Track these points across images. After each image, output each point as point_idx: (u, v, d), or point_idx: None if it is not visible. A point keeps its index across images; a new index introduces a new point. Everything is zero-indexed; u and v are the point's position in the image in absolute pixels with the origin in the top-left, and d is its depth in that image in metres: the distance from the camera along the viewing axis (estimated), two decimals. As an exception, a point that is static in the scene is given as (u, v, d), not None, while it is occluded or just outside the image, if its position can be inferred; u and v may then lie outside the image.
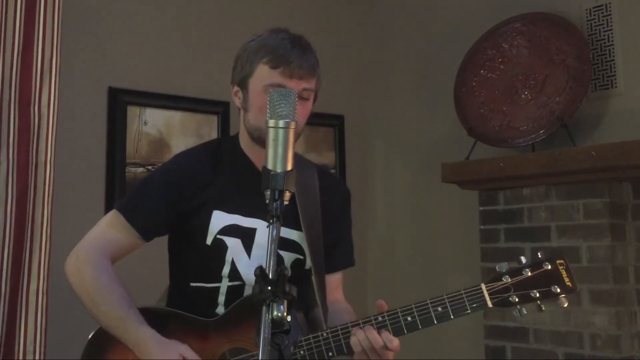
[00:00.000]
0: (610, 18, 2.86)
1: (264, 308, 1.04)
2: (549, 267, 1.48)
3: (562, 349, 2.74)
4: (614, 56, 2.85)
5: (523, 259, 1.51)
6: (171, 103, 3.13)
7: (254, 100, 1.58)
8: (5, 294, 2.45)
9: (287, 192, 1.15)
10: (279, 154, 1.17)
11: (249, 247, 1.59)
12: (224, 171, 1.64)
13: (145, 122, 3.06)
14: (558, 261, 1.49)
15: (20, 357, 2.47)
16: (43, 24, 2.61)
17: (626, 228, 2.74)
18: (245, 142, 1.66)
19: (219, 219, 1.59)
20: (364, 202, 3.74)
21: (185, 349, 1.49)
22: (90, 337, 1.61)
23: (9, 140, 2.52)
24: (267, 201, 1.15)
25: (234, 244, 1.59)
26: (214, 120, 3.24)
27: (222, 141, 1.77)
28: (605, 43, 2.87)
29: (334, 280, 1.76)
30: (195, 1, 3.29)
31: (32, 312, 2.50)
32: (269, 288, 1.05)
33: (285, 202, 1.16)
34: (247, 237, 1.59)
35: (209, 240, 1.59)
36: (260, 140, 1.58)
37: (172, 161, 1.71)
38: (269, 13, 3.40)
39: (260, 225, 1.59)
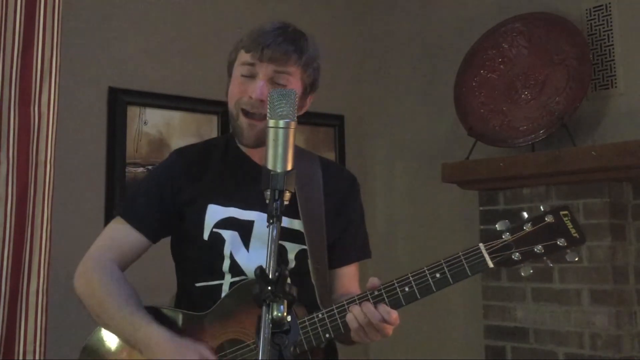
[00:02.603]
0: (610, 18, 2.86)
1: (264, 308, 1.04)
2: (552, 219, 1.38)
3: (562, 349, 2.74)
4: (614, 56, 2.85)
5: (525, 214, 1.41)
6: (171, 103, 3.13)
7: (230, 84, 1.60)
8: (5, 294, 2.45)
9: (287, 192, 1.15)
10: (279, 154, 1.17)
11: (247, 239, 1.56)
12: (218, 165, 1.63)
13: (145, 122, 3.06)
14: (562, 212, 1.38)
15: (20, 357, 2.47)
16: (43, 24, 2.61)
17: (626, 228, 2.74)
18: None
19: (215, 213, 1.57)
20: (364, 202, 3.73)
21: (203, 349, 1.45)
22: (83, 347, 1.59)
23: (9, 140, 2.52)
24: (267, 201, 1.15)
25: (231, 237, 1.56)
26: (214, 120, 3.24)
27: (216, 138, 1.78)
28: (605, 43, 2.87)
29: (348, 273, 1.68)
30: (196, 1, 3.29)
31: (32, 312, 2.50)
32: (269, 288, 1.04)
33: (286, 202, 1.15)
34: (244, 229, 1.56)
35: (205, 235, 1.56)
36: (234, 129, 1.58)
37: (166, 159, 1.71)
38: (269, 13, 3.40)
39: (258, 218, 1.56)
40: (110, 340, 1.57)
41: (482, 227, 3.03)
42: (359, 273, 1.72)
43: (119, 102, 3.00)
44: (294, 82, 1.56)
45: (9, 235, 2.47)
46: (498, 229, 1.41)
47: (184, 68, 3.17)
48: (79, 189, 2.85)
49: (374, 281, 1.44)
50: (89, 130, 2.93)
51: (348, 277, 1.68)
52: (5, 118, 2.52)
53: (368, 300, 1.41)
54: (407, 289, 1.40)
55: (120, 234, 1.60)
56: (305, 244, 1.57)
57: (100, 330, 1.59)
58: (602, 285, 2.65)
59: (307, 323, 1.43)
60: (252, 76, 1.54)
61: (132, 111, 3.04)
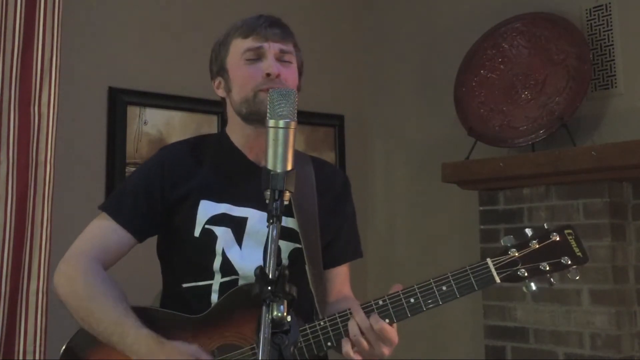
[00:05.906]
0: (610, 18, 2.87)
1: (264, 308, 1.03)
2: (557, 237, 1.42)
3: (562, 349, 2.74)
4: (614, 56, 2.85)
5: (528, 232, 1.44)
6: (171, 103, 3.13)
7: (234, 75, 1.59)
8: (5, 294, 2.45)
9: (287, 192, 1.15)
10: (279, 154, 1.17)
11: (240, 236, 1.53)
12: (211, 161, 1.60)
13: (145, 122, 3.06)
14: (566, 231, 1.42)
15: (20, 357, 2.47)
16: (43, 24, 2.61)
17: (626, 228, 2.74)
18: (233, 131, 1.63)
19: (207, 209, 1.53)
20: (364, 202, 3.74)
21: (197, 350, 1.41)
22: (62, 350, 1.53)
23: (9, 140, 2.52)
24: (267, 201, 1.15)
25: (223, 234, 1.52)
26: (214, 120, 3.23)
27: (207, 135, 1.74)
28: (605, 43, 2.87)
29: (340, 274, 1.67)
30: (196, 2, 3.29)
31: (32, 312, 2.50)
32: (269, 288, 1.04)
33: (286, 202, 1.15)
34: (237, 226, 1.53)
35: (197, 232, 1.52)
36: (251, 115, 1.54)
37: (154, 155, 1.67)
38: (269, 13, 3.40)
39: (251, 214, 1.54)
40: (92, 340, 1.50)
41: (482, 227, 3.03)
42: (350, 273, 1.72)
43: (119, 102, 3.00)
44: (294, 61, 1.59)
45: (9, 235, 2.48)
46: (504, 244, 1.43)
47: (184, 68, 3.16)
48: (79, 189, 2.84)
49: (397, 288, 1.44)
50: (89, 130, 2.93)
51: (340, 278, 1.68)
52: (5, 118, 2.52)
53: (373, 310, 1.41)
54: (412, 300, 1.42)
55: (106, 231, 1.55)
56: (298, 243, 1.55)
57: (82, 331, 1.52)
58: (602, 285, 2.65)
59: (308, 331, 1.41)
60: (257, 59, 1.55)
61: (132, 111, 3.04)
